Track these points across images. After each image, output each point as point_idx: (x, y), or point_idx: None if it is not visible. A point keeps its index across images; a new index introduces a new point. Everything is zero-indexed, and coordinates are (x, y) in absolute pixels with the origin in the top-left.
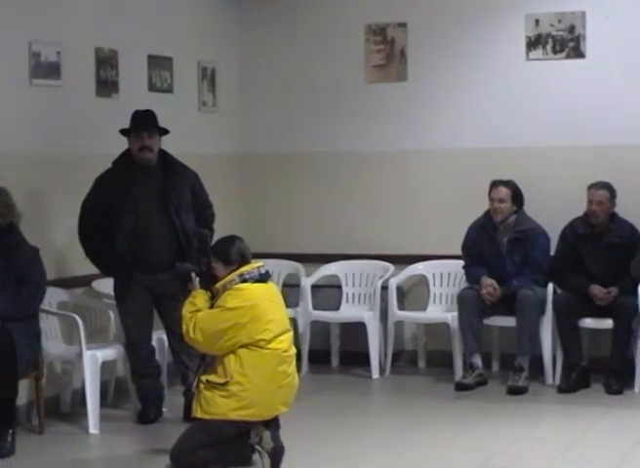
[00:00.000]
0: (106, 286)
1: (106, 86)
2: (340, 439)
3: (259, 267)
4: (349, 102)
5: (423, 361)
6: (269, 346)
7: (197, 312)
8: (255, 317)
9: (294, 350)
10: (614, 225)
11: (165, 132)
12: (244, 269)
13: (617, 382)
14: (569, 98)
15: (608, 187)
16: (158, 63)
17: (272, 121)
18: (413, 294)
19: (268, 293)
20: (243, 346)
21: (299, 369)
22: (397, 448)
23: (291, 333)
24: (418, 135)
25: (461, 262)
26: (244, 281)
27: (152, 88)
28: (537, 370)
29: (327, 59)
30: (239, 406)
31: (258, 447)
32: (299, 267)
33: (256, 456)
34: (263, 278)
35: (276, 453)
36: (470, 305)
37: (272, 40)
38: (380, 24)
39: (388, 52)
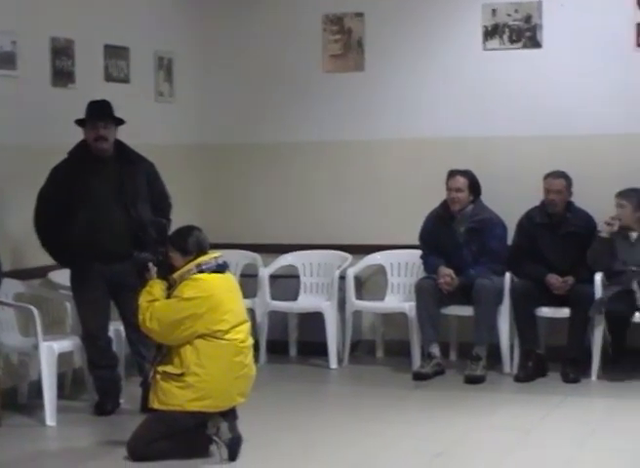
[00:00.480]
0: (63, 277)
1: (62, 76)
2: (297, 429)
3: (216, 257)
4: (307, 92)
5: (381, 350)
6: (226, 337)
7: (154, 302)
8: (212, 307)
9: (251, 341)
10: (570, 214)
11: (121, 122)
12: (201, 259)
13: (573, 371)
14: (525, 88)
15: (564, 176)
16: (114, 53)
17: (229, 111)
18: (371, 284)
19: (226, 284)
20: (200, 337)
21: (256, 359)
22: (355, 438)
23: (248, 324)
24: (375, 124)
25: (419, 252)
26: (201, 271)
27: (109, 78)
28: (494, 358)
29: (284, 49)
30: (196, 397)
31: (215, 437)
32: (256, 257)
33: (213, 447)
34: (221, 268)
35: (233, 444)
36: (428, 295)
37: (229, 30)
38: (338, 14)
39: (345, 41)
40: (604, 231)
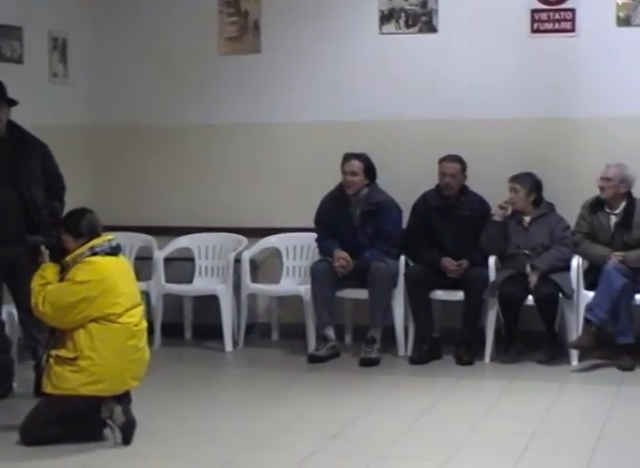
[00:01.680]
0: None
1: None
2: (192, 412)
3: (109, 240)
4: (202, 75)
5: (277, 333)
6: (120, 320)
7: (46, 285)
8: (105, 291)
9: (145, 324)
10: (465, 198)
11: (14, 103)
12: (94, 242)
13: (467, 353)
14: (421, 72)
15: (459, 160)
16: (7, 33)
17: (124, 93)
18: (266, 267)
19: (119, 267)
20: (93, 320)
21: (151, 342)
22: (250, 420)
23: (142, 307)
24: (271, 107)
25: (314, 235)
26: (94, 254)
27: (2, 58)
28: (389, 341)
29: (180, 31)
30: (89, 380)
31: (109, 421)
32: (151, 240)
33: (107, 431)
34: (114, 251)
35: (128, 428)
36: (323, 278)
37: (125, 11)
38: None
39: (242, 24)
40: (497, 215)
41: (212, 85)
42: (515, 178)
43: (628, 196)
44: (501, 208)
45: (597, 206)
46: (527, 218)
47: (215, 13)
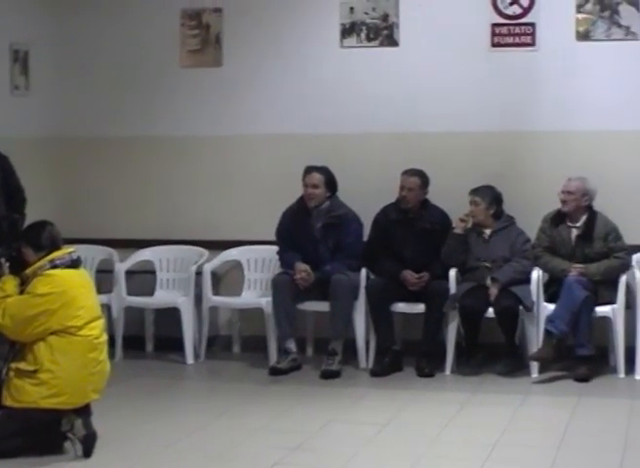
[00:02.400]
0: None
1: None
2: (152, 425)
3: (70, 253)
4: (164, 87)
5: (238, 346)
6: (80, 333)
7: (6, 298)
8: (65, 303)
9: (105, 337)
10: (425, 211)
11: None
12: (55, 255)
13: (428, 365)
14: (383, 86)
15: (420, 174)
16: None
17: (87, 105)
18: (227, 280)
19: (79, 280)
20: (53, 333)
21: (112, 355)
22: (211, 433)
23: (102, 320)
24: (232, 120)
25: (276, 248)
26: (55, 267)
27: None
28: (350, 354)
29: (142, 43)
30: (50, 393)
31: (69, 434)
32: (112, 253)
33: (67, 444)
34: (75, 264)
35: (88, 440)
36: (284, 290)
37: (87, 23)
38: (196, 9)
39: (204, 37)
40: (458, 228)
41: (174, 97)
42: (475, 191)
43: (589, 209)
44: (462, 220)
45: (558, 219)
46: (487, 231)
47: (177, 26)
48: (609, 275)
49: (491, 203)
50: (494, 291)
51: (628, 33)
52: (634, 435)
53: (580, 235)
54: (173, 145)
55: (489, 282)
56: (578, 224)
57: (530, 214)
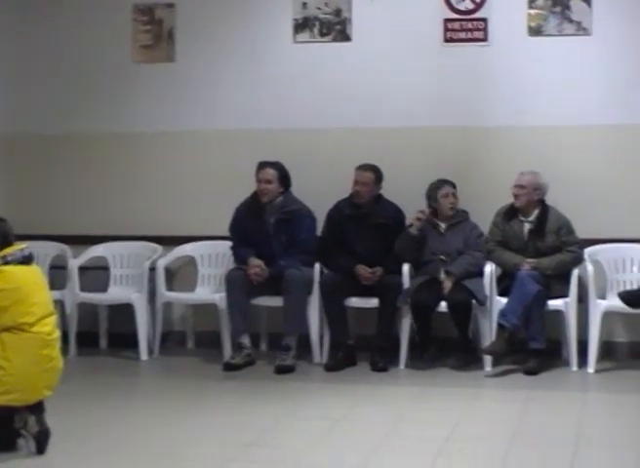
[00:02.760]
0: None
1: None
2: (106, 421)
3: (22, 249)
4: (116, 83)
5: (192, 342)
6: (32, 330)
7: None
8: (18, 300)
9: (58, 333)
10: (379, 206)
11: None
12: (6, 251)
13: (382, 360)
14: (335, 81)
15: (374, 169)
16: None
17: (38, 101)
18: (181, 275)
19: (32, 276)
20: (5, 330)
21: (66, 351)
22: (165, 429)
23: (55, 317)
24: (185, 116)
25: (229, 243)
26: (6, 263)
27: None
28: (304, 349)
29: (94, 39)
30: (2, 390)
31: (22, 431)
32: (65, 249)
33: (21, 441)
34: (27, 260)
35: (41, 437)
36: (238, 286)
37: (39, 19)
38: (148, 4)
39: (156, 32)
40: (413, 228)
41: (126, 93)
42: (452, 184)
43: (542, 203)
44: (418, 219)
45: (511, 213)
46: (443, 225)
47: (129, 21)
48: (561, 269)
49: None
50: (448, 284)
51: (580, 29)
52: (586, 428)
53: (533, 229)
54: (126, 141)
55: (442, 275)
56: (530, 219)
57: (482, 209)
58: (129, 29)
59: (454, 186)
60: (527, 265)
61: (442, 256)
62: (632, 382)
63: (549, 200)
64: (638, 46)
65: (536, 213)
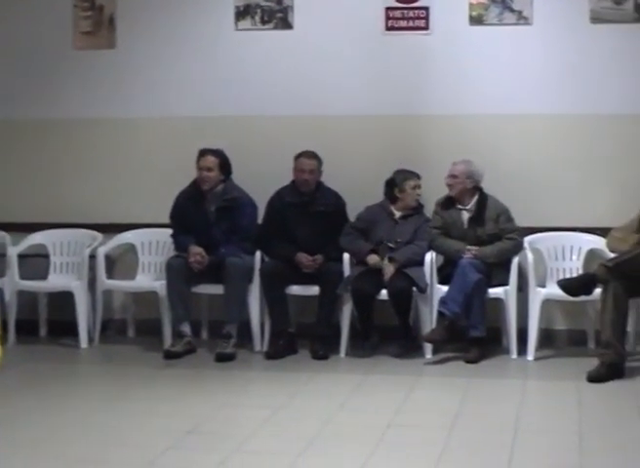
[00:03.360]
0: None
1: None
2: (47, 409)
3: None
4: (57, 69)
5: (133, 330)
6: None
7: None
8: None
9: None
10: (319, 194)
11: None
12: None
13: (322, 348)
14: (277, 69)
15: (315, 156)
16: None
17: None
18: (121, 263)
19: None
20: None
21: (5, 340)
22: (105, 417)
23: None
24: (127, 103)
25: (170, 231)
26: None
27: None
28: (245, 336)
29: (35, 26)
30: None
31: None
32: (4, 236)
33: None
34: None
35: None
36: (178, 273)
37: None
38: None
39: (97, 18)
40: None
41: (67, 80)
42: (418, 176)
43: (480, 192)
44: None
45: (448, 203)
46: (398, 214)
47: (69, 7)
48: (502, 257)
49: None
50: (390, 269)
51: (520, 18)
52: (525, 415)
53: (472, 217)
54: (67, 128)
55: (385, 262)
56: (468, 207)
57: (425, 198)
58: (69, 16)
59: (419, 178)
60: (469, 253)
61: (390, 244)
62: (571, 369)
63: (490, 189)
64: (577, 36)
65: (474, 201)
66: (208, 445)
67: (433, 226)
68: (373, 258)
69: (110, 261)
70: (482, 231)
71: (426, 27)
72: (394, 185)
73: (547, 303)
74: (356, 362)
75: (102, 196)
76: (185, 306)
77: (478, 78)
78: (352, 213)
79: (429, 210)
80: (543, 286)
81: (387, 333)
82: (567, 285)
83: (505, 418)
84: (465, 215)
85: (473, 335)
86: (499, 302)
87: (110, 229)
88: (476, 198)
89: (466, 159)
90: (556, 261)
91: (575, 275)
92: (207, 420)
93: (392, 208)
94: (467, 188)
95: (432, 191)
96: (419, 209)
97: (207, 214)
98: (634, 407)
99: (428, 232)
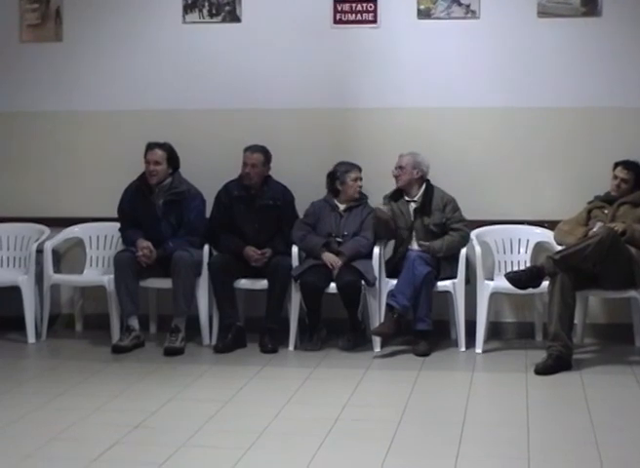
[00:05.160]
0: None
1: None
2: None
3: None
4: (4, 62)
5: (80, 324)
6: None
7: None
8: None
9: None
10: (267, 188)
11: None
12: None
13: (271, 341)
14: (225, 62)
15: (263, 151)
16: None
17: None
18: (69, 257)
19: None
20: None
21: None
22: (51, 412)
23: None
24: (73, 96)
25: (118, 225)
26: None
27: None
28: (194, 330)
29: None
30: None
31: None
32: None
33: None
34: None
35: None
36: (126, 267)
37: None
38: None
39: (43, 11)
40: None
41: (13, 73)
42: (359, 168)
43: (426, 183)
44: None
45: (397, 195)
46: (342, 206)
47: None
48: (452, 250)
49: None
50: (338, 263)
51: (468, 11)
52: (473, 407)
53: (419, 208)
54: (12, 121)
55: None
56: (415, 198)
57: (370, 191)
58: (16, 8)
59: (360, 170)
60: (419, 247)
61: (338, 238)
62: (519, 362)
63: (437, 182)
64: (524, 29)
65: (420, 192)
66: (155, 439)
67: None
68: (328, 257)
69: (58, 256)
70: (429, 221)
71: (375, 21)
72: (335, 178)
73: (495, 296)
74: (305, 355)
75: (50, 190)
76: (133, 300)
77: (426, 72)
78: (298, 207)
79: (373, 201)
80: (491, 279)
81: (336, 327)
82: (515, 277)
83: (454, 411)
84: (412, 207)
85: (420, 328)
86: (447, 295)
87: (58, 223)
88: (423, 189)
89: (413, 151)
90: (504, 254)
91: (522, 268)
92: (154, 415)
93: (336, 201)
94: (414, 179)
95: (374, 183)
96: (362, 200)
97: (155, 207)
98: (581, 399)
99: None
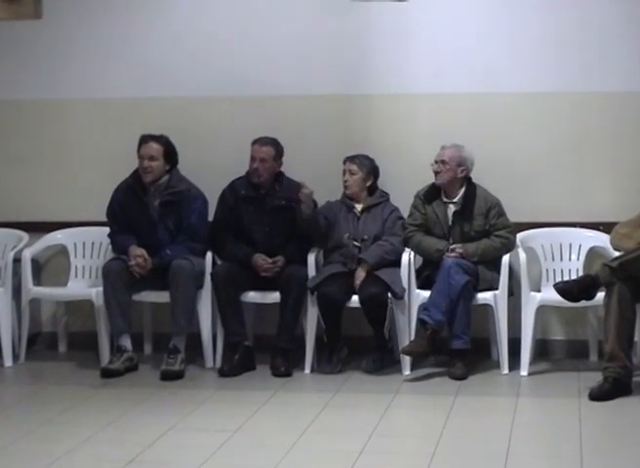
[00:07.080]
0: None
1: None
2: None
3: None
4: None
5: (64, 344)
6: None
7: None
8: None
9: None
10: (279, 186)
11: None
12: None
13: (284, 363)
14: (216, 47)
15: (274, 143)
16: None
17: None
18: (51, 268)
19: None
20: None
21: None
22: (33, 444)
23: None
24: (54, 82)
25: (107, 230)
26: None
27: None
28: (195, 351)
29: None
30: None
31: None
32: None
33: None
34: None
35: None
36: (117, 279)
37: None
38: None
39: None
40: (304, 211)
41: None
42: (352, 159)
43: (468, 182)
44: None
45: (432, 194)
46: (359, 207)
47: None
48: (488, 256)
49: (368, 174)
50: (360, 274)
51: None
52: (517, 438)
53: (458, 211)
54: None
55: (354, 265)
56: (454, 199)
57: (396, 189)
58: None
59: (352, 162)
60: (452, 253)
61: (356, 242)
62: (569, 386)
63: (476, 179)
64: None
65: (461, 192)
66: None
67: (411, 223)
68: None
69: (38, 266)
70: (469, 227)
71: None
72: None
73: (543, 310)
74: (323, 379)
75: (28, 190)
76: (125, 317)
77: (460, 51)
78: None
79: (394, 200)
80: (538, 290)
81: (359, 346)
82: (565, 288)
83: (496, 442)
84: (451, 209)
85: (457, 347)
86: (487, 309)
87: (38, 228)
88: (464, 189)
89: (457, 143)
90: (553, 262)
91: (574, 277)
92: (150, 448)
93: (351, 201)
94: (457, 177)
95: (398, 180)
96: (383, 198)
97: (150, 209)
98: None
99: (404, 230)
